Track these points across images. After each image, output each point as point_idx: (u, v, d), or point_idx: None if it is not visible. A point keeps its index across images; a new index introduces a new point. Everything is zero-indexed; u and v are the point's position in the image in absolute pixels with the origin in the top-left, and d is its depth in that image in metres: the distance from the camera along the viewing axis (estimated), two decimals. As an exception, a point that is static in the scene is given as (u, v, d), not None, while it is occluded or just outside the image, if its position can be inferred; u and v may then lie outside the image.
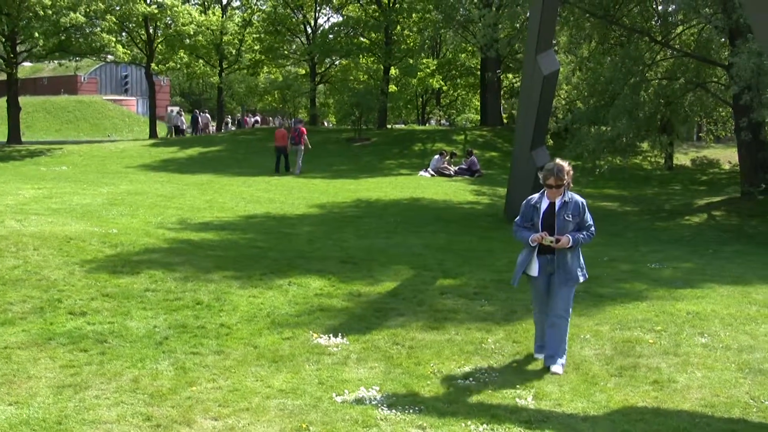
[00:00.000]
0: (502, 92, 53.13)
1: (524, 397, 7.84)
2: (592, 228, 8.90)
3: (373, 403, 7.55)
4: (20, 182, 25.12)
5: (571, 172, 8.90)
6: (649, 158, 37.41)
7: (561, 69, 25.00)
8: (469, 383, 8.25)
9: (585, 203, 8.93)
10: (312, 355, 9.03)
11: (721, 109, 34.06)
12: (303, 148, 34.20)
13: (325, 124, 62.54)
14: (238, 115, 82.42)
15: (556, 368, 8.66)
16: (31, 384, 7.88)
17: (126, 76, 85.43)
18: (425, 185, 30.67)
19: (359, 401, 7.60)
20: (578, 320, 10.61)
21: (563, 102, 31.77)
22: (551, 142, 33.05)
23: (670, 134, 33.40)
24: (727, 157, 39.81)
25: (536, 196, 9.05)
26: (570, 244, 8.69)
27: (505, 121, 51.30)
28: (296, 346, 9.33)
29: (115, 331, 9.68)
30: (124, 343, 9.25)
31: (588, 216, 8.88)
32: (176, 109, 74.48)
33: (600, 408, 7.61)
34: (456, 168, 35.34)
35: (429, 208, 24.06)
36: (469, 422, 7.09)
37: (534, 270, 8.93)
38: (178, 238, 15.57)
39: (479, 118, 56.08)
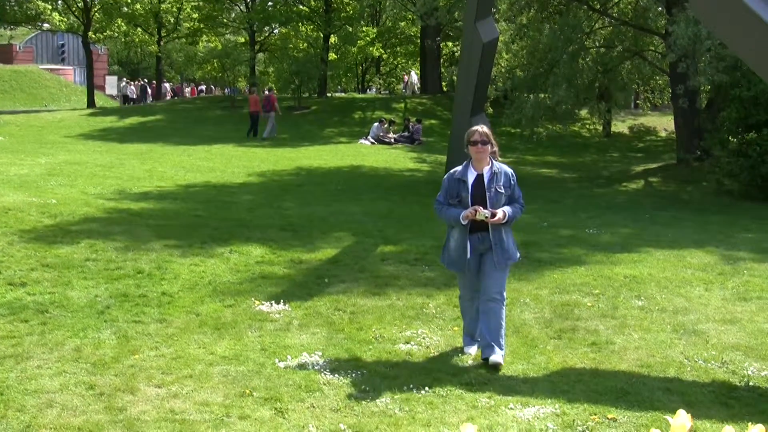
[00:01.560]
0: (441, 60, 53.11)
1: (465, 360, 7.94)
2: (522, 200, 8.02)
3: (316, 368, 7.61)
4: (-45, 153, 24.74)
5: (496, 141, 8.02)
6: (587, 126, 37.77)
7: (500, 37, 25.10)
8: (410, 347, 8.35)
9: (515, 173, 8.07)
10: (254, 322, 9.05)
11: (657, 78, 34.43)
12: (274, 114, 36.09)
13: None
14: (167, 84, 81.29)
15: (497, 357, 7.75)
16: (-28, 354, 7.83)
17: (63, 45, 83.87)
18: (365, 153, 30.71)
19: (302, 366, 7.66)
20: (518, 285, 10.76)
21: (503, 70, 31.94)
22: (491, 110, 33.18)
23: (608, 102, 33.73)
24: (664, 124, 40.31)
25: (459, 168, 8.01)
26: (505, 219, 7.79)
27: (444, 89, 51.32)
28: (238, 314, 9.35)
29: (56, 301, 9.62)
30: (66, 313, 9.21)
31: (517, 188, 7.99)
32: (115, 78, 73.75)
33: (540, 370, 7.74)
34: (396, 135, 35.41)
35: (369, 176, 24.13)
36: (411, 385, 7.17)
37: (469, 251, 7.90)
38: (118, 208, 15.48)
39: (419, 86, 56.08)
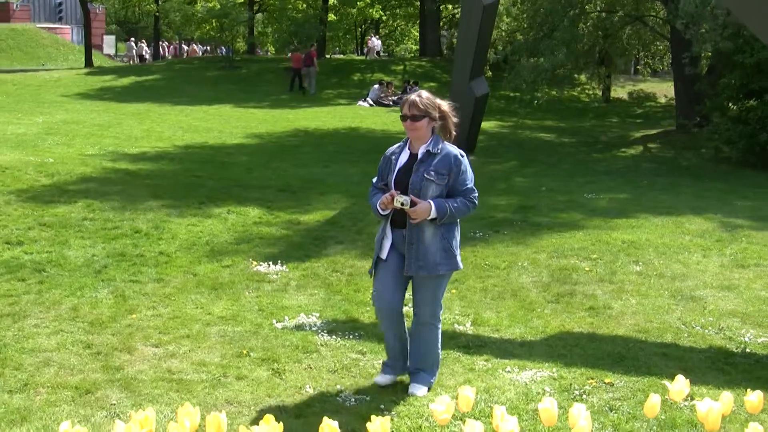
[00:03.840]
0: (441, 23, 52.79)
1: (462, 323, 7.94)
2: (474, 194, 6.15)
3: (313, 329, 7.61)
4: (-48, 110, 24.64)
5: (448, 110, 6.22)
6: (586, 90, 37.62)
7: (501, 0, 25.02)
8: (407, 310, 8.30)
9: (463, 157, 6.13)
10: (251, 283, 9.06)
11: (658, 43, 34.28)
12: (314, 69, 37.88)
13: (268, 53, 61.90)
14: (185, 44, 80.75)
15: (419, 389, 6.23)
16: (-32, 312, 7.83)
17: (60, 4, 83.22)
18: (364, 115, 30.63)
19: (299, 327, 7.66)
20: (516, 248, 10.76)
21: (503, 33, 31.81)
22: (490, 73, 33.08)
23: (608, 67, 33.63)
24: (663, 90, 40.15)
25: (395, 146, 6.43)
26: (431, 216, 5.99)
27: (444, 52, 51.05)
28: (236, 274, 9.35)
29: (53, 260, 9.61)
30: (63, 272, 9.20)
31: (467, 175, 6.13)
32: (113, 37, 73.60)
33: (537, 333, 7.74)
34: (395, 98, 35.30)
35: (367, 138, 24.08)
36: (408, 348, 7.17)
37: (384, 250, 6.30)
38: (115, 168, 15.44)
39: (418, 48, 55.82)
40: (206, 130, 23.52)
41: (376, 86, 35.76)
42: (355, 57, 56.36)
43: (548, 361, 6.93)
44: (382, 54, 56.42)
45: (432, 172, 6.01)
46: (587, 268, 9.96)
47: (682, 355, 7.19)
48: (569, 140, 26.96)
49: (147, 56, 58.37)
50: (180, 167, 16.26)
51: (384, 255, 6.25)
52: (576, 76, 33.43)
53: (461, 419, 5.38)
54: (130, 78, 40.68)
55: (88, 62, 49.61)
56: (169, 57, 62.18)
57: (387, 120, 29.17)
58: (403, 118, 6.15)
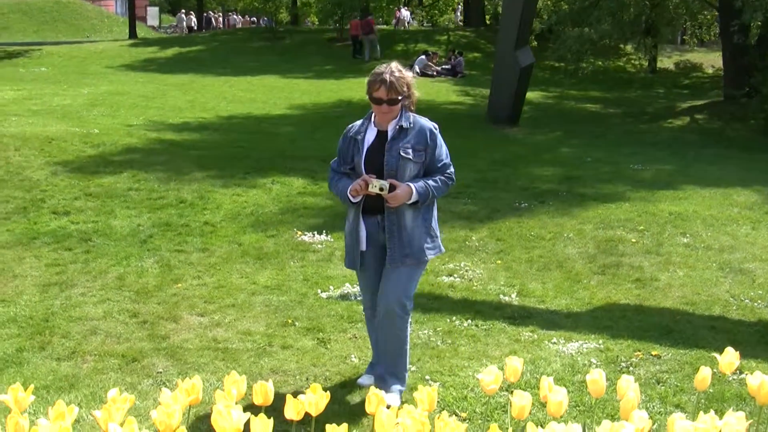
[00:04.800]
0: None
1: (508, 294, 7.90)
2: (450, 169, 5.63)
3: (358, 299, 7.58)
4: (-1, 82, 24.84)
5: (412, 82, 5.63)
6: (632, 61, 37.23)
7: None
8: (453, 280, 8.31)
9: (437, 130, 5.67)
10: (296, 253, 9.07)
11: (706, 12, 33.81)
12: (374, 36, 39.14)
13: (312, 24, 61.83)
14: (237, 15, 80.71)
15: (391, 398, 5.31)
16: (17, 283, 7.90)
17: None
18: (408, 86, 30.51)
19: (344, 297, 7.66)
20: (561, 219, 10.68)
21: (549, 3, 31.52)
22: (535, 43, 32.80)
23: (655, 37, 33.22)
24: (711, 61, 39.63)
25: (358, 123, 5.82)
26: (412, 200, 5.42)
27: (488, 21, 50.68)
28: (280, 244, 9.36)
29: (99, 230, 9.68)
30: (109, 242, 9.26)
31: (443, 150, 5.63)
32: (156, 9, 73.79)
33: (583, 305, 7.68)
34: (439, 68, 35.11)
35: (411, 109, 23.98)
36: (453, 318, 7.16)
37: (362, 241, 5.63)
38: (160, 138, 15.49)
39: (462, 18, 55.42)
40: (250, 100, 23.55)
41: (423, 56, 35.53)
42: (399, 27, 56.07)
43: (594, 333, 6.88)
44: (411, 24, 55.98)
45: (408, 149, 5.45)
46: (633, 240, 9.87)
47: (731, 329, 7.11)
48: (615, 111, 26.72)
49: (195, 27, 58.76)
50: (224, 138, 16.29)
51: (363, 247, 5.59)
52: (622, 46, 33.11)
53: (507, 390, 5.35)
54: (174, 49, 40.79)
55: (132, 34, 49.80)
56: (221, 28, 62.42)
57: (431, 90, 29.04)
58: (378, 101, 5.49)
